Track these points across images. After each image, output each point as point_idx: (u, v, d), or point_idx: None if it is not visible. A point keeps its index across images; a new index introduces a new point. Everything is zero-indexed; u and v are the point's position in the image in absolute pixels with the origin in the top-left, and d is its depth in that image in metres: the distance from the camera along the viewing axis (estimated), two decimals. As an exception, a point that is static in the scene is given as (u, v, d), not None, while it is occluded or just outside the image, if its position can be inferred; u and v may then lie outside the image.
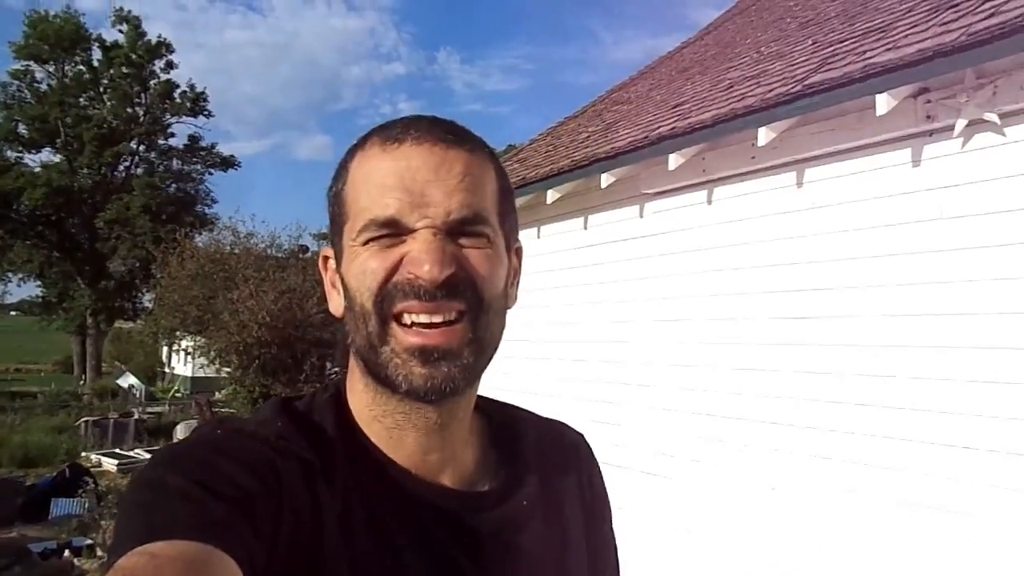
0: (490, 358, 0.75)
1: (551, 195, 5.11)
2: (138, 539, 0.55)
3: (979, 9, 2.88)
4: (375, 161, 0.72)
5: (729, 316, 4.04)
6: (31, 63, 31.48)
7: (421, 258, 0.68)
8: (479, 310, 0.71)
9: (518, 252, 0.83)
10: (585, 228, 5.27)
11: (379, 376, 0.72)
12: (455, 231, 0.70)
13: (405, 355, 0.70)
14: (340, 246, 0.75)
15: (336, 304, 0.78)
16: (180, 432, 15.64)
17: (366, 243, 0.71)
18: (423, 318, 0.69)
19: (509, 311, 0.79)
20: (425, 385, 0.69)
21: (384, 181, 0.70)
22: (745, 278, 3.94)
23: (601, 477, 0.95)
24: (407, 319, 0.70)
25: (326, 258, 0.81)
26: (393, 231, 0.70)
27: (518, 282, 0.83)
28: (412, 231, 0.69)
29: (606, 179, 4.63)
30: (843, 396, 3.38)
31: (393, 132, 0.72)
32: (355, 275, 0.72)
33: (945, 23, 2.95)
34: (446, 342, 0.69)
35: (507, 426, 0.88)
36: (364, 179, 0.72)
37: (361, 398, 0.76)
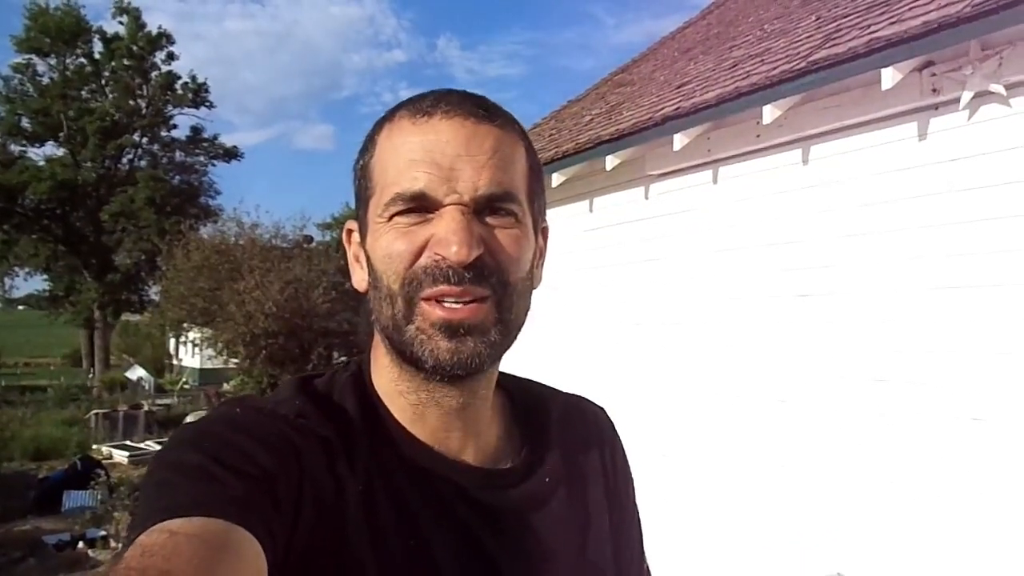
0: (515, 338, 0.74)
1: (556, 178, 5.10)
2: (158, 517, 0.55)
3: (984, -20, 2.85)
4: (404, 134, 0.71)
5: (737, 295, 4.04)
6: (33, 56, 31.47)
7: (449, 239, 0.67)
8: (505, 293, 0.71)
9: (544, 232, 0.82)
10: (590, 211, 5.26)
11: (404, 354, 0.71)
12: (483, 208, 0.69)
13: (431, 330, 0.69)
14: (365, 220, 0.74)
15: (359, 279, 0.77)
16: (189, 423, 15.72)
17: (391, 218, 0.70)
18: (449, 299, 0.69)
19: (533, 291, 0.78)
20: (451, 359, 0.69)
21: (412, 155, 0.69)
22: (752, 257, 3.94)
23: (624, 452, 0.94)
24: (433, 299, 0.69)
25: (350, 231, 0.80)
26: (420, 206, 0.69)
27: (543, 263, 0.82)
28: (439, 207, 0.68)
29: (611, 161, 4.62)
30: (852, 378, 3.38)
31: (423, 105, 0.71)
32: (381, 257, 0.71)
33: (950, -5, 2.93)
34: (472, 317, 0.69)
35: (529, 403, 0.87)
36: (392, 152, 0.71)
37: (386, 373, 0.76)
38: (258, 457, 0.63)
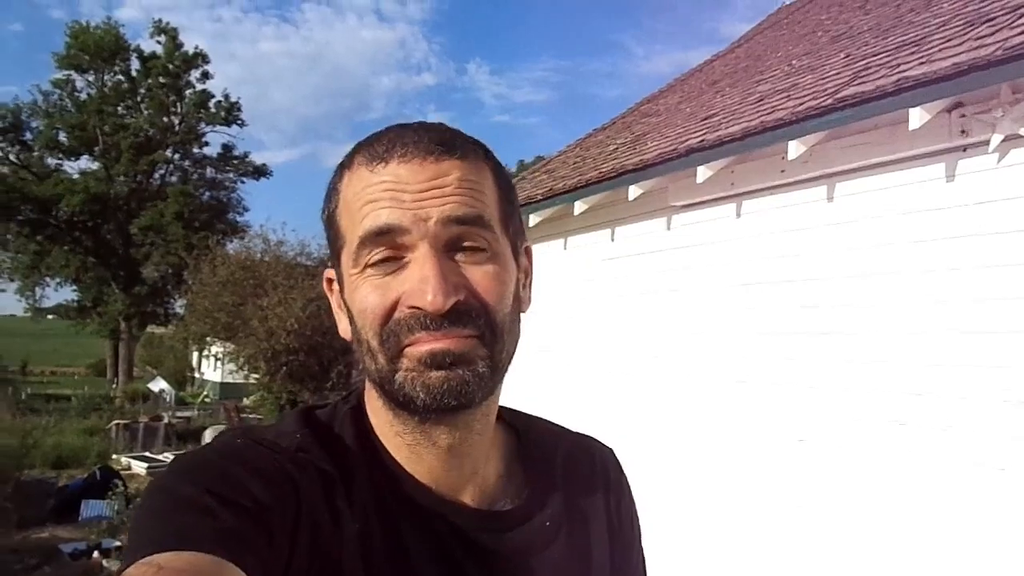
0: (504, 374, 0.73)
1: (579, 206, 5.11)
2: (147, 549, 0.55)
3: (1016, 23, 2.84)
4: (362, 182, 0.69)
5: (757, 331, 4.00)
6: (72, 72, 32.28)
7: (423, 288, 0.65)
8: (493, 337, 0.69)
9: (527, 251, 0.79)
10: (612, 240, 5.25)
11: (396, 399, 0.70)
12: (455, 246, 0.68)
13: (420, 367, 0.67)
14: (340, 271, 0.73)
15: (344, 328, 0.76)
16: (208, 437, 15.81)
17: (364, 269, 0.69)
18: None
19: (525, 315, 0.77)
20: (442, 387, 0.67)
21: (374, 196, 0.68)
22: (774, 292, 3.90)
23: (630, 494, 0.92)
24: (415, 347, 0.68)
25: (330, 280, 0.79)
26: (389, 246, 0.67)
27: (530, 283, 0.80)
28: (409, 245, 0.67)
29: (634, 191, 4.62)
30: (872, 420, 3.32)
31: (378, 150, 0.69)
32: (358, 311, 0.70)
33: (980, 37, 2.91)
34: (458, 347, 0.67)
35: (534, 441, 0.86)
36: (354, 198, 0.69)
37: (380, 414, 0.75)
38: (253, 489, 0.62)
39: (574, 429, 0.94)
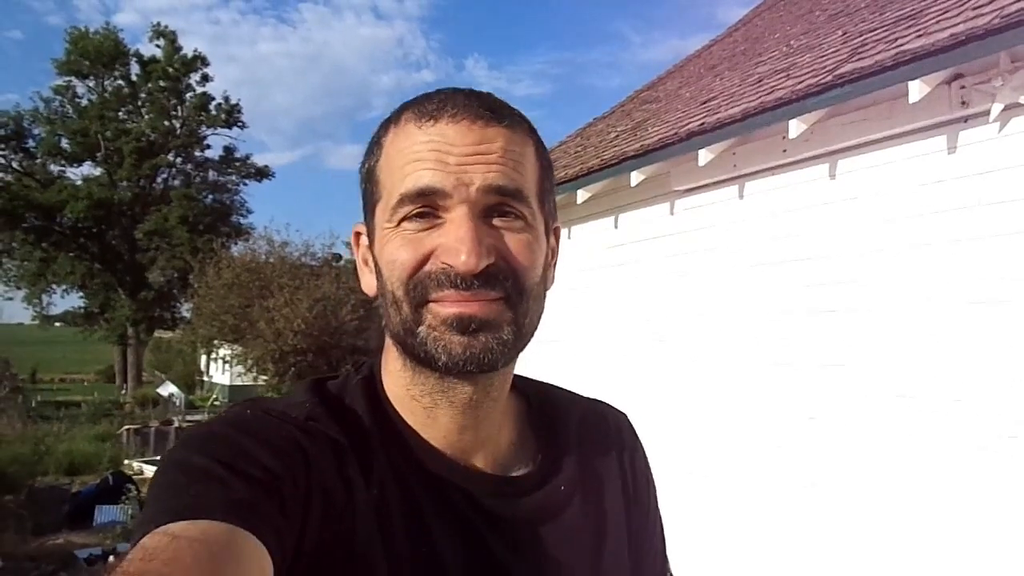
0: (528, 341, 0.74)
1: (581, 195, 5.10)
2: (161, 519, 0.55)
3: (1014, -9, 2.82)
4: (409, 138, 0.70)
5: (764, 311, 3.99)
6: (72, 78, 32.41)
7: (457, 247, 0.66)
8: (519, 299, 0.70)
9: (556, 232, 0.80)
10: (616, 227, 5.25)
11: (417, 355, 0.70)
12: (493, 211, 0.69)
13: (443, 327, 0.68)
14: (372, 225, 0.74)
15: (368, 283, 0.77)
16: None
17: (399, 224, 0.69)
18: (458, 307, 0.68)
19: (547, 292, 0.77)
20: (464, 354, 0.68)
21: (419, 156, 0.68)
22: (779, 272, 3.90)
23: (645, 457, 0.92)
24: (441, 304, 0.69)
25: (358, 234, 0.79)
26: (428, 205, 0.68)
27: (556, 263, 0.81)
28: (447, 207, 0.68)
29: (636, 177, 4.61)
30: (882, 395, 3.32)
31: (428, 108, 0.70)
32: (386, 263, 0.70)
33: (978, 6, 2.90)
34: (484, 313, 0.68)
35: (546, 407, 0.86)
36: (398, 155, 0.70)
37: (398, 378, 0.75)
38: (264, 459, 0.63)
39: (586, 395, 0.94)
